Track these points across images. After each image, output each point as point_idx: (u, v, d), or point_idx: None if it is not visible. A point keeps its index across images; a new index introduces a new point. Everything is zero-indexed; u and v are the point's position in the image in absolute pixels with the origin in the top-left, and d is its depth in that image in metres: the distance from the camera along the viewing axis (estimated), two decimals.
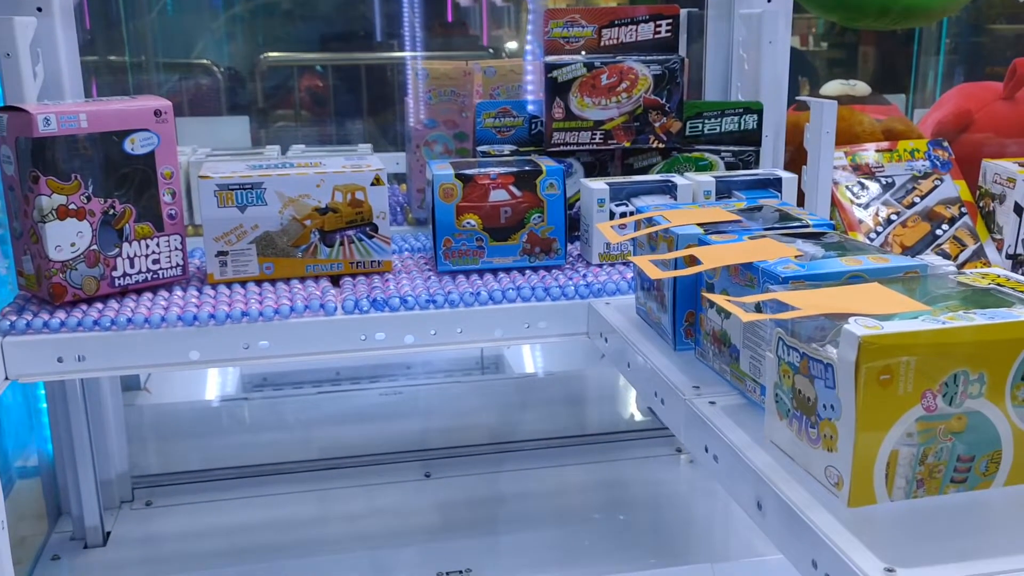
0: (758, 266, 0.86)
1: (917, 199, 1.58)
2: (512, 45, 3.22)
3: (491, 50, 3.24)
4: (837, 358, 0.69)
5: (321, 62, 3.17)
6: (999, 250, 1.54)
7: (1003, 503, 0.72)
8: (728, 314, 0.92)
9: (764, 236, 0.95)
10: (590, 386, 2.27)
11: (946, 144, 1.64)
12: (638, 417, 2.02)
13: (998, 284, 0.79)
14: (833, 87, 2.44)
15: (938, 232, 1.55)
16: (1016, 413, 0.71)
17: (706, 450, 0.87)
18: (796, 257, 0.88)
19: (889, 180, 1.60)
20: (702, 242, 0.97)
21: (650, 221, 1.06)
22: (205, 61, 2.98)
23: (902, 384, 0.68)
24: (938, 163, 1.62)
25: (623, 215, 1.31)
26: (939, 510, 0.71)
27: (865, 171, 1.60)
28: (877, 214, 1.56)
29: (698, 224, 1.02)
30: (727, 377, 0.94)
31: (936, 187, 1.59)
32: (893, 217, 1.56)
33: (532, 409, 2.07)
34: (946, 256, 1.53)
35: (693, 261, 0.94)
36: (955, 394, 0.69)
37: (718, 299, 0.84)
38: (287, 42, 3.14)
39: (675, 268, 0.99)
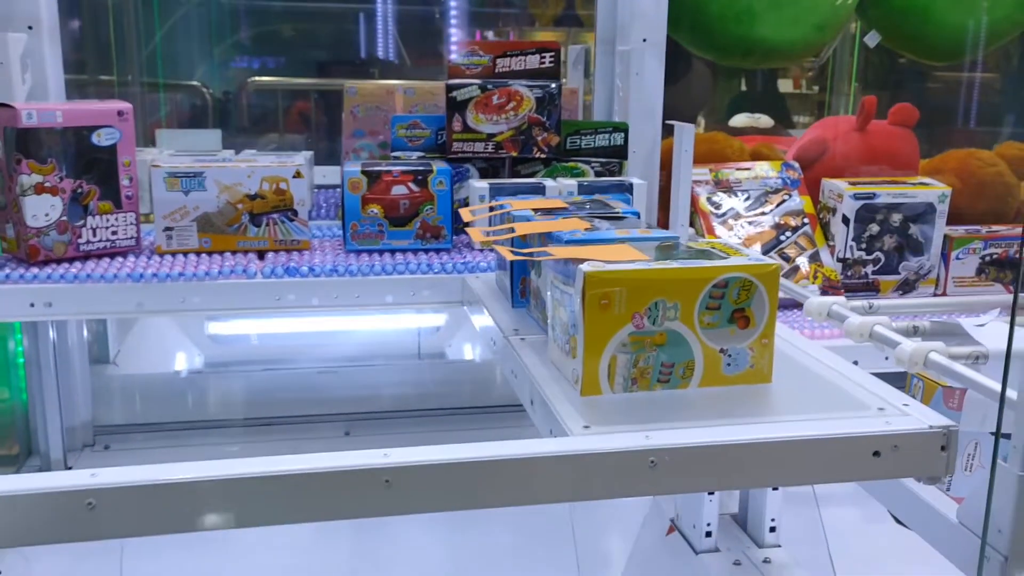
0: (553, 235, 1.15)
1: (767, 210, 1.87)
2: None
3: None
4: (573, 288, 0.98)
5: (271, 86, 3.46)
6: (831, 254, 1.83)
7: (696, 399, 1.00)
8: (539, 273, 1.21)
9: (574, 217, 1.24)
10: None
11: (796, 165, 1.93)
12: None
13: (713, 248, 1.07)
14: (740, 119, 2.74)
15: (782, 238, 1.84)
16: (704, 333, 1.00)
17: (512, 373, 1.16)
18: (586, 229, 1.16)
19: (746, 194, 1.89)
20: (528, 219, 1.26)
21: (502, 207, 1.35)
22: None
23: (617, 307, 0.97)
24: (788, 181, 1.91)
25: (492, 208, 1.60)
26: (648, 401, 0.99)
27: (725, 186, 1.90)
28: (732, 222, 1.85)
29: (533, 209, 1.31)
30: (541, 323, 1.23)
31: (784, 201, 1.89)
32: (746, 225, 1.85)
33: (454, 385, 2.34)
34: (786, 258, 1.82)
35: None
36: (657, 316, 0.98)
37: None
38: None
39: (512, 244, 1.28)
